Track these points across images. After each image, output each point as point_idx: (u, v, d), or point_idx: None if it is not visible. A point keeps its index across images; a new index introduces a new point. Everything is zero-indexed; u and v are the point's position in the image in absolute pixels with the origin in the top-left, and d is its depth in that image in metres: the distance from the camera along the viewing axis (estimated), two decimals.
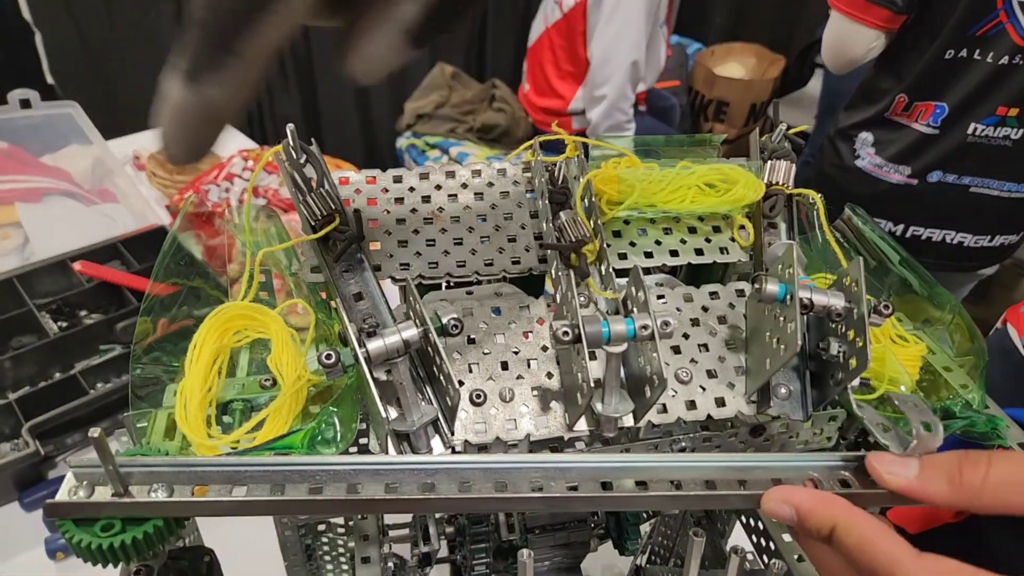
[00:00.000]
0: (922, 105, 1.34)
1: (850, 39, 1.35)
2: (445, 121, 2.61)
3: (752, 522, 0.61)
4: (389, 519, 0.71)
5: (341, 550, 0.82)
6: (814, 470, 0.40)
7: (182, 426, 0.43)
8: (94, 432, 0.33)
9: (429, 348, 0.41)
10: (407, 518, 0.69)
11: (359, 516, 0.59)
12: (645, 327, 0.39)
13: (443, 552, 0.74)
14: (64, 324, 1.17)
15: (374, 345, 0.39)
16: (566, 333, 0.40)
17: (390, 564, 0.66)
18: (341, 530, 0.76)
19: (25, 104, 1.54)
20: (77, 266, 1.23)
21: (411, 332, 0.39)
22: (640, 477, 0.39)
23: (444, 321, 0.40)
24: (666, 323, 0.40)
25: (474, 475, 0.38)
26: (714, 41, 3.42)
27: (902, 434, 0.39)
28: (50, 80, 2.48)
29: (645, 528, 0.84)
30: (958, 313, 0.52)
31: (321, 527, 0.73)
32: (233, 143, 1.84)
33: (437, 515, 0.67)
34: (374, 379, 0.39)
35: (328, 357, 0.38)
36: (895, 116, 1.39)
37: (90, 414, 1.01)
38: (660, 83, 2.85)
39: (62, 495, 0.36)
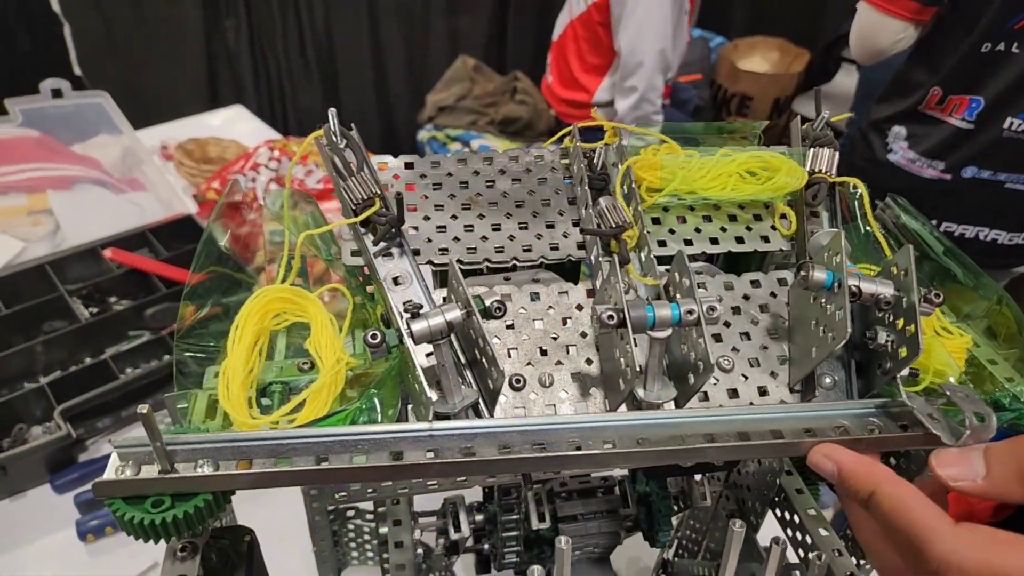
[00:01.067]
0: (956, 99, 1.32)
1: (876, 30, 1.33)
2: (466, 113, 2.61)
3: (787, 515, 0.61)
4: (418, 506, 0.71)
5: (367, 536, 0.83)
6: (844, 418, 0.41)
7: (224, 405, 0.43)
8: (143, 408, 0.33)
9: (472, 330, 0.41)
10: (436, 505, 0.69)
11: (392, 501, 0.60)
12: (691, 312, 0.39)
13: (469, 542, 0.74)
14: (95, 310, 1.19)
15: (418, 326, 0.39)
16: (611, 317, 0.39)
17: (419, 551, 0.66)
18: (369, 516, 0.76)
19: (56, 94, 1.55)
20: (107, 253, 1.24)
21: (455, 314, 0.39)
22: (676, 432, 0.40)
23: (487, 303, 0.40)
24: (712, 308, 0.39)
25: (513, 438, 0.39)
26: (737, 35, 3.39)
27: (953, 425, 0.39)
28: (78, 71, 2.50)
29: (674, 522, 0.84)
30: (1006, 303, 0.51)
31: (350, 513, 0.73)
32: (259, 134, 1.85)
33: (468, 501, 0.67)
34: (419, 359, 0.39)
35: (374, 337, 0.38)
36: (929, 110, 1.37)
37: (119, 399, 1.03)
38: (683, 76, 2.83)
39: (108, 474, 0.36)
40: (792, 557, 0.63)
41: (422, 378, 0.39)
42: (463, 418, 0.42)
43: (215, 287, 0.55)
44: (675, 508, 0.70)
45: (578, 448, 0.39)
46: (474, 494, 0.68)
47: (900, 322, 0.40)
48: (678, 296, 0.42)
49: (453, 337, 0.44)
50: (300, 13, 2.94)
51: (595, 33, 2.14)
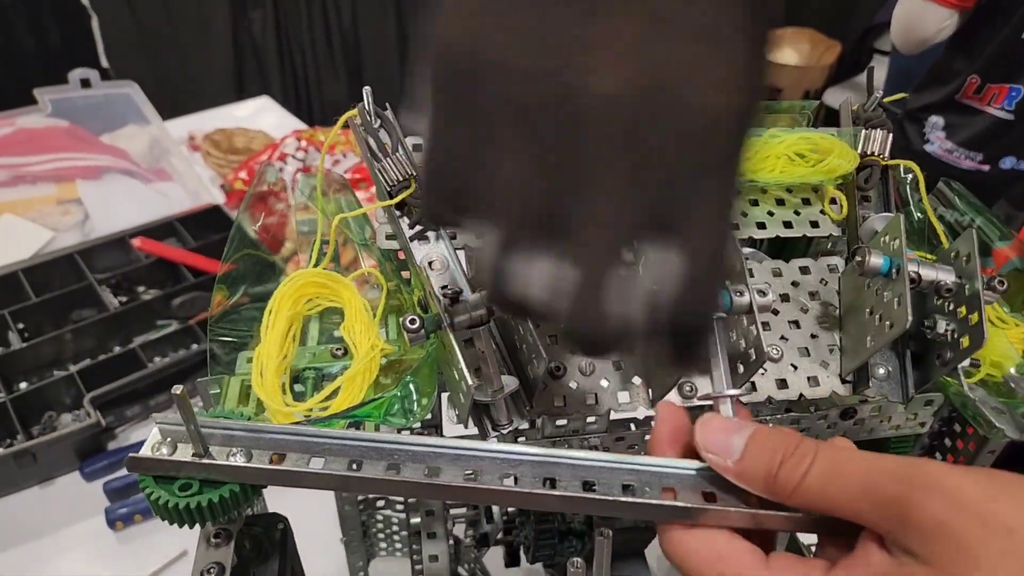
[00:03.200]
0: (995, 87, 1.29)
1: (921, 17, 1.30)
2: None
3: None
4: None
5: (396, 527, 0.82)
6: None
7: (258, 391, 0.42)
8: (177, 389, 0.32)
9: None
10: None
11: None
12: (740, 292, 0.37)
13: (499, 534, 0.73)
14: (123, 299, 1.19)
15: (459, 311, 0.37)
16: None
17: (451, 540, 0.65)
18: (399, 507, 0.75)
19: (85, 84, 1.56)
20: (136, 242, 1.24)
21: None
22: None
23: None
24: (762, 292, 0.38)
25: (562, 472, 0.36)
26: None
27: (1018, 418, 0.37)
28: (105, 63, 2.52)
29: None
30: None
31: (380, 503, 0.72)
32: (286, 125, 1.85)
33: None
34: (459, 344, 0.38)
35: (412, 322, 0.37)
36: (966, 99, 1.34)
37: (148, 387, 1.03)
38: None
39: (146, 450, 0.35)
40: None
41: (462, 365, 0.37)
42: (502, 407, 0.40)
43: (248, 273, 0.55)
44: None
45: (632, 494, 0.36)
46: None
47: (962, 310, 0.38)
48: (729, 283, 0.40)
49: (493, 325, 0.43)
50: (326, 5, 2.94)
51: None
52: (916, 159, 1.46)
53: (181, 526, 0.36)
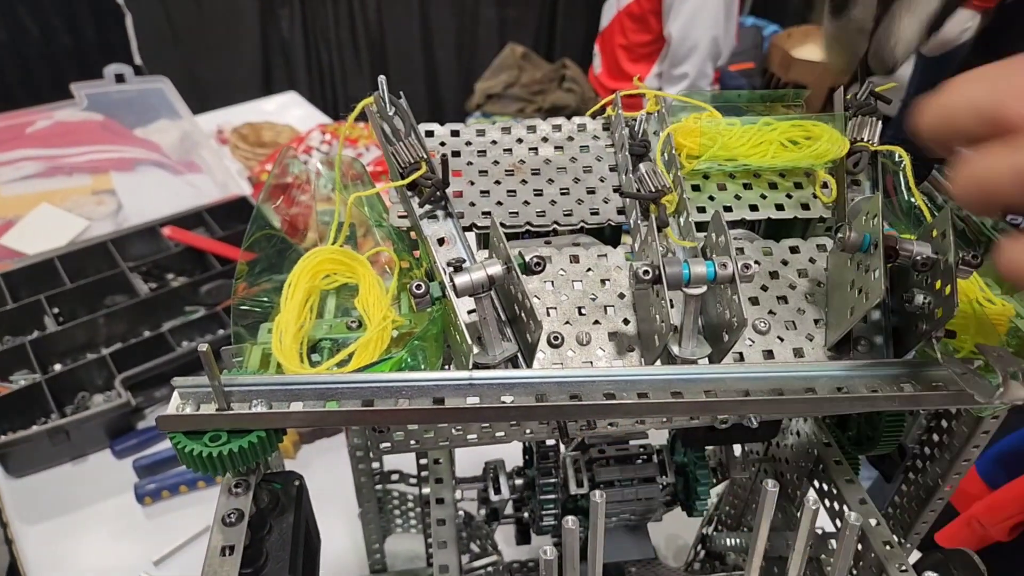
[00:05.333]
0: None
1: None
2: (514, 101, 2.62)
3: (824, 486, 0.61)
4: (460, 471, 0.73)
5: (411, 503, 0.85)
6: (877, 377, 0.41)
7: (277, 355, 0.46)
8: (203, 347, 0.36)
9: (512, 285, 0.42)
10: (478, 471, 0.71)
11: (433, 461, 0.62)
12: (724, 265, 0.40)
13: (508, 510, 0.76)
14: (153, 285, 1.23)
15: (461, 279, 0.40)
16: (646, 272, 0.40)
17: (461, 512, 0.68)
18: (413, 481, 0.79)
19: (119, 79, 1.61)
20: (166, 231, 1.29)
21: (496, 268, 0.41)
22: (710, 387, 0.41)
23: (527, 259, 0.42)
24: (747, 265, 0.40)
25: (549, 388, 0.40)
26: (791, 23, 3.34)
27: (987, 384, 0.39)
28: (138, 60, 2.58)
29: (713, 499, 0.84)
30: None
31: (394, 477, 0.75)
32: (311, 119, 1.89)
33: (509, 467, 0.69)
34: (461, 309, 0.41)
35: (418, 287, 0.40)
36: None
37: (176, 370, 1.07)
38: (735, 65, 2.80)
39: (170, 410, 0.39)
40: (830, 528, 0.63)
41: (463, 327, 0.40)
42: (503, 369, 0.43)
43: (268, 257, 0.58)
44: (713, 479, 0.71)
45: (612, 397, 0.40)
46: (515, 459, 0.70)
47: (937, 284, 0.40)
48: (714, 256, 0.43)
49: (494, 294, 0.46)
50: (352, 2, 2.98)
51: (645, 22, 2.14)
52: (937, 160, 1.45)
53: (213, 474, 0.39)
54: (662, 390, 0.41)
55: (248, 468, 0.40)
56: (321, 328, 0.52)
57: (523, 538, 0.77)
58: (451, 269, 0.41)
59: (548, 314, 0.47)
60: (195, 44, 2.84)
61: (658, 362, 0.44)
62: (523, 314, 0.42)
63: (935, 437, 0.60)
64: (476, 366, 0.43)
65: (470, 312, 0.44)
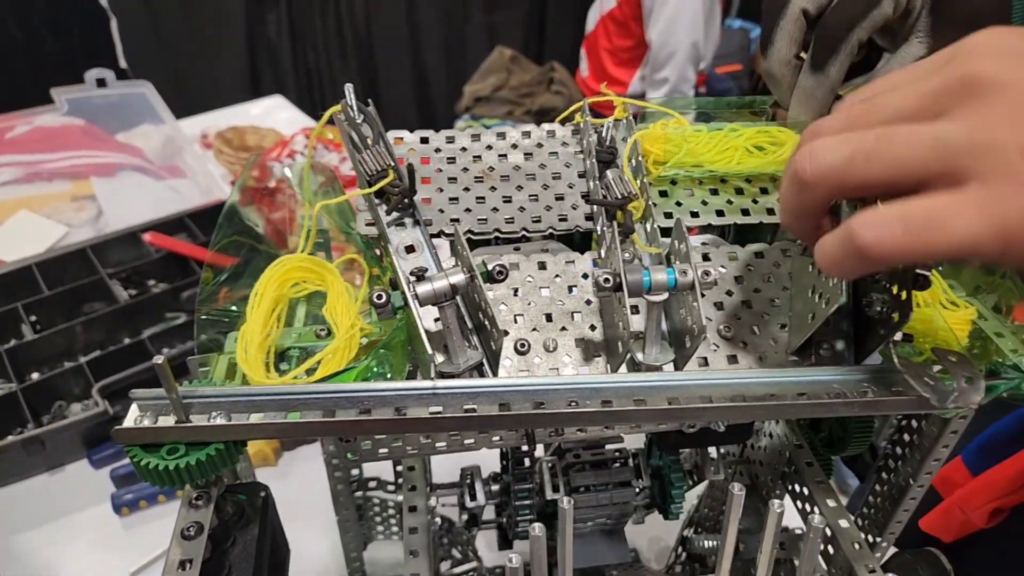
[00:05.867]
0: None
1: None
2: (503, 104, 2.62)
3: (797, 488, 0.61)
4: (437, 477, 0.73)
5: (391, 510, 0.85)
6: (838, 382, 0.41)
7: (242, 365, 0.45)
8: (158, 359, 0.36)
9: (475, 294, 0.42)
10: (455, 477, 0.70)
11: (407, 468, 0.62)
12: (685, 272, 0.40)
13: (491, 514, 0.76)
14: (133, 292, 1.23)
15: (423, 288, 0.40)
16: (607, 280, 0.40)
17: (437, 519, 0.68)
18: (391, 488, 0.79)
19: (101, 83, 1.61)
20: (147, 237, 1.28)
21: (458, 277, 0.41)
22: (673, 394, 0.41)
23: (489, 268, 0.42)
24: (707, 272, 0.40)
25: (513, 396, 0.40)
26: None
27: (943, 387, 0.39)
28: (123, 64, 2.57)
29: (694, 501, 0.84)
30: (1010, 277, 0.51)
31: (372, 484, 0.75)
32: (297, 123, 1.89)
33: (487, 473, 0.69)
34: (422, 319, 0.41)
35: (379, 297, 0.40)
36: None
37: (155, 377, 1.05)
38: (722, 67, 2.81)
39: (128, 422, 0.38)
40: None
41: (424, 337, 0.40)
42: (467, 378, 0.43)
43: (239, 255, 0.58)
44: (689, 482, 0.71)
45: (576, 405, 0.40)
46: (493, 464, 0.70)
47: (895, 288, 0.40)
48: (677, 262, 0.43)
49: (461, 304, 0.46)
50: (340, 6, 2.98)
51: (627, 27, 2.15)
52: None
53: (171, 486, 0.39)
54: (625, 397, 0.41)
55: (208, 480, 0.40)
56: (290, 336, 0.51)
57: (505, 543, 0.76)
58: (413, 278, 0.41)
59: (515, 321, 0.47)
60: (181, 48, 2.83)
61: (623, 368, 0.44)
62: (487, 322, 0.42)
63: (906, 437, 0.60)
64: (442, 375, 0.43)
65: (436, 320, 0.44)
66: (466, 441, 0.49)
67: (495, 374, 0.44)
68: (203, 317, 0.50)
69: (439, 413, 0.40)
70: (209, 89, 2.83)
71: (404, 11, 3.08)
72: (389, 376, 0.45)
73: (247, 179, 0.65)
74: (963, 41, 0.33)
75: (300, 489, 0.96)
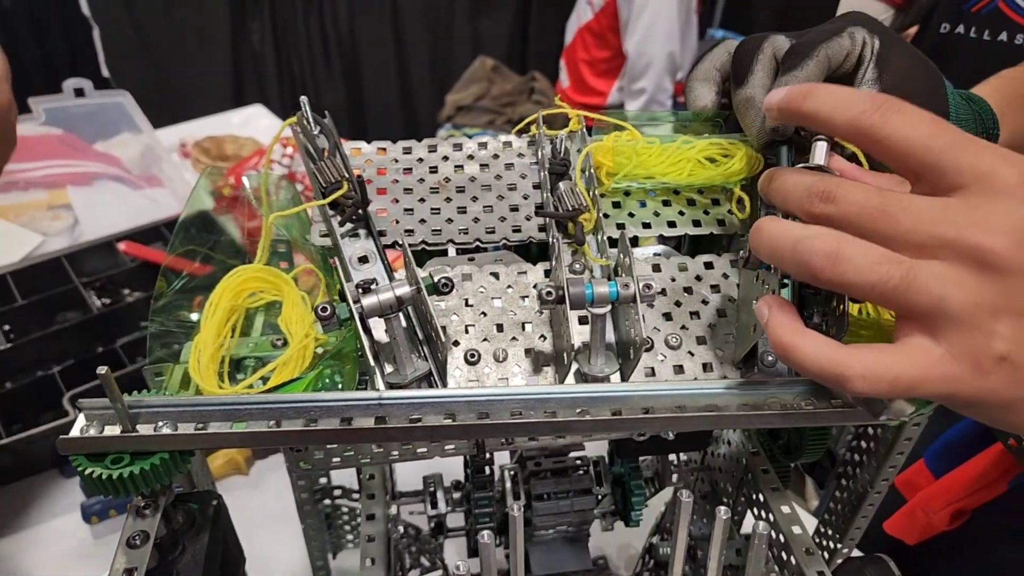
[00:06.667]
0: None
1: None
2: (484, 113, 2.64)
3: (754, 495, 0.62)
4: (404, 485, 0.74)
5: (360, 520, 0.85)
6: (779, 394, 0.42)
7: (194, 376, 0.46)
8: (101, 370, 0.36)
9: (421, 306, 0.43)
10: (419, 485, 0.71)
11: (367, 476, 0.62)
12: (627, 285, 0.41)
13: (460, 521, 0.76)
14: (107, 301, 1.22)
15: (368, 300, 0.41)
16: (549, 294, 0.41)
17: (400, 528, 0.68)
18: (356, 496, 0.79)
19: (79, 93, 1.60)
20: (122, 246, 1.28)
21: (404, 289, 0.41)
22: (617, 405, 0.41)
23: (435, 280, 0.42)
24: (648, 285, 0.41)
25: (459, 407, 0.41)
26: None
27: (877, 401, 0.40)
28: (106, 73, 2.57)
29: (662, 508, 0.85)
30: None
31: (336, 491, 0.75)
32: (274, 131, 1.89)
33: (451, 480, 0.70)
34: (366, 330, 0.41)
35: (324, 309, 0.40)
36: None
37: (128, 386, 1.05)
38: None
39: (74, 433, 0.39)
40: None
41: (367, 349, 0.41)
42: (415, 389, 0.44)
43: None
44: (651, 489, 0.71)
45: (520, 416, 0.41)
46: (456, 472, 0.70)
47: (833, 301, 0.41)
48: (622, 274, 0.44)
49: (413, 314, 0.47)
50: (324, 15, 2.99)
51: (604, 38, 2.17)
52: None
53: (115, 496, 0.39)
54: (569, 408, 0.41)
55: (154, 490, 0.40)
56: (247, 346, 0.52)
57: (474, 551, 0.77)
58: (359, 291, 0.41)
59: (466, 331, 0.48)
60: (164, 57, 2.83)
61: (571, 379, 0.45)
62: (432, 332, 0.43)
63: (863, 444, 0.61)
64: (391, 385, 0.44)
65: (386, 331, 0.44)
66: (419, 450, 0.50)
67: (443, 384, 0.44)
68: (156, 328, 0.50)
69: (384, 423, 0.40)
70: (193, 98, 2.83)
71: (389, 20, 3.09)
72: (340, 385, 0.46)
73: (211, 185, 0.66)
74: (988, 194, 0.33)
75: (271, 497, 0.96)
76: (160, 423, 0.39)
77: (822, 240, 0.35)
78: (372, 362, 0.41)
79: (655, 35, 2.00)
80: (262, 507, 0.96)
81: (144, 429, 0.39)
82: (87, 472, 0.38)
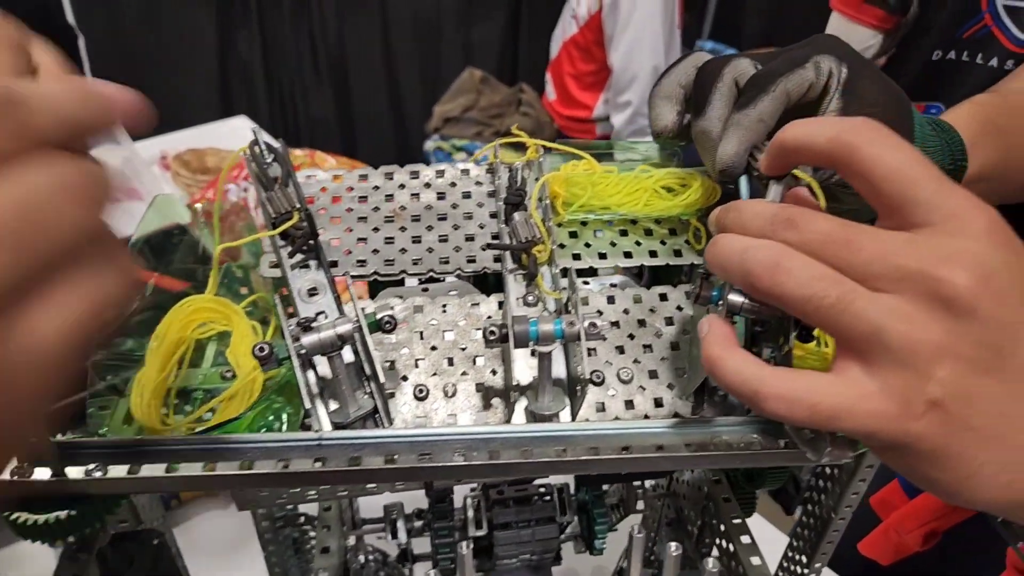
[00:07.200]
0: (918, 106, 1.32)
1: (847, 37, 1.33)
2: (472, 124, 2.63)
3: (715, 523, 0.61)
4: (365, 512, 0.73)
5: None
6: (725, 433, 0.41)
7: (135, 412, 0.45)
8: None
9: (362, 346, 0.42)
10: (380, 512, 0.70)
11: (322, 508, 0.61)
12: (572, 324, 0.40)
13: (421, 548, 0.75)
14: None
15: (309, 339, 0.40)
16: (492, 332, 0.40)
17: (361, 557, 0.67)
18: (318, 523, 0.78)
19: None
20: None
21: (345, 327, 0.41)
22: (561, 445, 0.41)
23: (379, 317, 0.42)
24: (593, 324, 0.40)
25: (400, 447, 0.40)
26: (749, 47, 3.38)
27: (820, 442, 0.39)
28: None
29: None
30: None
31: (300, 520, 0.74)
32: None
33: (409, 510, 0.69)
34: (305, 369, 0.40)
35: (261, 350, 0.40)
36: None
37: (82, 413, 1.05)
38: None
39: (5, 475, 0.38)
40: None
41: (302, 389, 0.40)
42: (359, 427, 0.43)
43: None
44: (616, 516, 0.71)
45: (462, 457, 0.40)
46: (418, 499, 0.69)
47: (780, 339, 0.41)
48: (571, 310, 0.43)
49: (361, 350, 0.46)
50: (313, 25, 2.98)
51: (589, 52, 2.17)
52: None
53: (43, 543, 0.38)
54: (514, 448, 0.41)
55: (84, 534, 0.39)
56: (196, 377, 0.51)
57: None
58: (298, 329, 0.41)
59: (416, 365, 0.47)
60: (151, 68, 2.81)
61: (521, 416, 0.44)
62: (373, 375, 0.42)
63: (826, 470, 0.60)
64: (334, 424, 0.43)
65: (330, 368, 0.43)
66: (368, 485, 0.49)
67: (389, 422, 0.44)
68: (100, 361, 0.50)
69: (323, 466, 0.39)
70: (180, 110, 2.82)
71: (378, 30, 3.08)
72: (285, 420, 0.45)
73: (167, 211, 0.65)
74: (957, 235, 0.32)
75: (243, 523, 0.95)
76: (91, 465, 0.38)
77: (765, 250, 0.34)
78: (308, 404, 0.40)
79: (640, 49, 2.00)
80: (235, 532, 0.95)
81: (74, 471, 0.38)
82: (11, 518, 0.37)
